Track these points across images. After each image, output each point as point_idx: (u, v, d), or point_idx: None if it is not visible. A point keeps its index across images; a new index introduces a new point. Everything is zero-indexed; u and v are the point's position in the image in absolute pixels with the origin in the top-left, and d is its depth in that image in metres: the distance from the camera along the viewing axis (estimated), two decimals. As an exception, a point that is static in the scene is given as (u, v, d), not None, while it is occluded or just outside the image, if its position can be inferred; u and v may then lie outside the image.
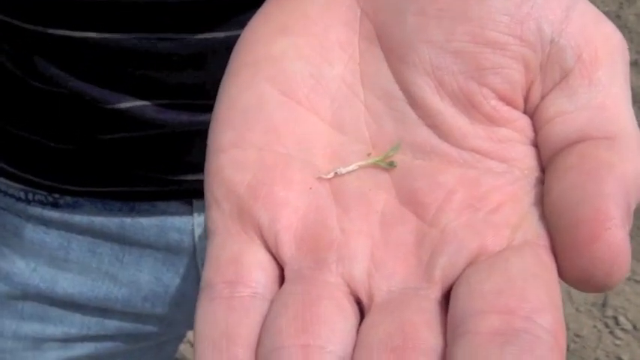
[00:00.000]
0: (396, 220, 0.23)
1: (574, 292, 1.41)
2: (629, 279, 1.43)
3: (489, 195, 0.23)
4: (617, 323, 1.37)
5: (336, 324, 0.21)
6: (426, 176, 0.24)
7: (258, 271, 0.23)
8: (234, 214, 0.24)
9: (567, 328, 1.36)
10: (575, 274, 0.21)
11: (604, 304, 1.39)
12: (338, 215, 0.24)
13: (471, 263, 0.22)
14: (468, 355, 0.19)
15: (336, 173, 0.24)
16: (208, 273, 0.23)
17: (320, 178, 0.24)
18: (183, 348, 1.21)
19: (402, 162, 0.24)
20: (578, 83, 0.23)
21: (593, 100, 0.23)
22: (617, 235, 0.20)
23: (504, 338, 0.19)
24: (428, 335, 0.20)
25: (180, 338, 0.60)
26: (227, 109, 0.26)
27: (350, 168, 0.24)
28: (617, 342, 1.35)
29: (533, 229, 0.22)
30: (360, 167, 0.24)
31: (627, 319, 1.37)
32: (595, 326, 1.37)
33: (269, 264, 0.23)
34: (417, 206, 0.23)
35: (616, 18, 1.88)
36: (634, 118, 0.23)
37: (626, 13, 1.90)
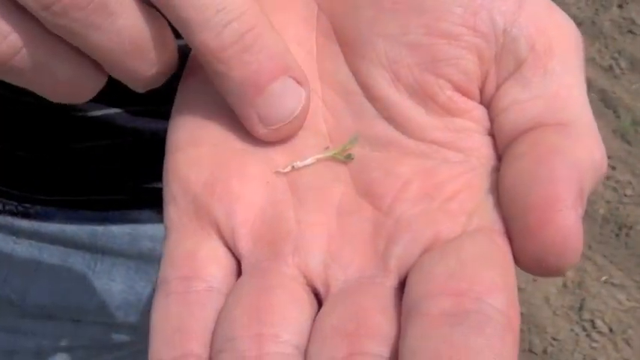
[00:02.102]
0: (352, 211, 0.23)
1: (552, 296, 1.42)
2: (605, 282, 1.44)
3: (445, 184, 0.23)
4: (594, 326, 1.38)
5: (290, 313, 0.21)
6: (382, 168, 0.24)
7: (214, 265, 0.23)
8: (190, 210, 0.24)
9: (545, 332, 1.37)
10: (529, 257, 0.21)
11: (581, 308, 1.40)
12: (295, 208, 0.24)
13: (426, 250, 0.22)
14: (419, 336, 0.19)
15: (293, 167, 0.24)
16: (164, 269, 0.23)
17: (277, 173, 0.24)
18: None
19: (359, 155, 0.24)
20: (532, 73, 0.23)
21: (548, 89, 0.23)
22: (568, 217, 0.20)
23: (455, 319, 0.19)
24: (382, 321, 0.20)
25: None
26: (183, 107, 0.26)
27: (307, 161, 0.25)
28: (594, 345, 1.36)
29: (488, 215, 0.22)
30: (318, 160, 0.25)
31: (604, 322, 1.38)
32: (572, 329, 1.38)
33: (225, 259, 0.23)
34: (374, 197, 0.23)
35: (591, 24, 1.90)
36: (588, 106, 0.23)
37: (601, 19, 1.92)
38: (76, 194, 0.45)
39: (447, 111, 0.24)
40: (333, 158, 0.25)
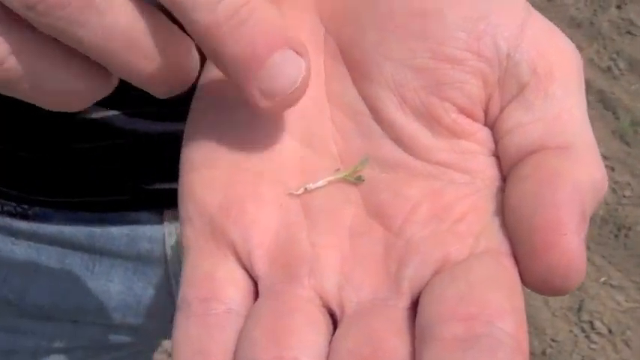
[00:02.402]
0: (364, 233, 0.24)
1: (550, 297, 1.42)
2: (604, 283, 1.44)
3: (453, 206, 0.23)
4: (593, 327, 1.38)
5: (307, 335, 0.21)
6: (391, 189, 0.24)
7: (232, 287, 0.23)
8: (207, 231, 0.24)
9: (544, 333, 1.37)
10: (535, 278, 0.21)
11: (580, 309, 1.40)
12: (308, 230, 0.24)
13: (436, 272, 0.22)
14: None
15: (305, 189, 0.25)
16: (184, 290, 0.23)
17: (290, 195, 0.25)
18: (161, 359, 1.20)
19: (369, 176, 0.25)
20: (534, 96, 0.24)
21: (549, 112, 0.24)
22: (572, 241, 0.21)
23: (466, 344, 0.19)
24: (397, 344, 0.21)
25: (154, 348, 0.59)
26: (197, 127, 0.26)
27: (319, 183, 0.25)
28: (593, 346, 1.36)
29: (495, 237, 0.22)
30: (330, 182, 0.25)
31: (603, 323, 1.39)
32: (571, 331, 1.38)
33: (243, 280, 0.24)
34: (384, 219, 0.24)
35: (590, 25, 1.90)
36: (589, 127, 0.24)
37: (600, 20, 1.93)
38: (75, 195, 0.45)
39: (453, 133, 0.24)
40: (344, 180, 0.25)
